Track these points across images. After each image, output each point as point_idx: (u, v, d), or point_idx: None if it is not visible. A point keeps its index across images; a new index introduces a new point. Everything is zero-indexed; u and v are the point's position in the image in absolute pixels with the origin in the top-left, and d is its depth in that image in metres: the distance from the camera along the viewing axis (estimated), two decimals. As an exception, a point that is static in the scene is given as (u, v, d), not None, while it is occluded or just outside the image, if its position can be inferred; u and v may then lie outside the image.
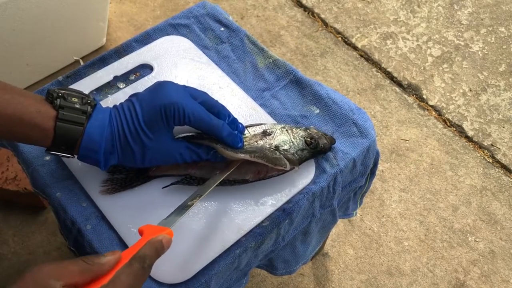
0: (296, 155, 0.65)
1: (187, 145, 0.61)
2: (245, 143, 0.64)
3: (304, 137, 0.66)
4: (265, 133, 0.66)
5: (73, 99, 0.56)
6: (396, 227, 1.22)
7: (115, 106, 0.60)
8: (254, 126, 0.67)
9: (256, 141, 0.64)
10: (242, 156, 0.62)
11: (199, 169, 0.64)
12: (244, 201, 0.65)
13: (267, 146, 0.64)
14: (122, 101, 0.73)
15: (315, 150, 0.66)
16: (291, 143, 0.65)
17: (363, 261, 1.17)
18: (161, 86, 0.60)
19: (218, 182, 0.61)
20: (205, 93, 0.63)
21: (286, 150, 0.64)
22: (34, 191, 0.69)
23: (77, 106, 0.56)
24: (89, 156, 0.58)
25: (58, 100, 0.56)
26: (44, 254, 1.13)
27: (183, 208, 0.57)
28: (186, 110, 0.58)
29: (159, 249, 0.47)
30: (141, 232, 0.50)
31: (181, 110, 0.58)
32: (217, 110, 0.63)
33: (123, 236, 0.62)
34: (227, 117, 0.63)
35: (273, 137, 0.65)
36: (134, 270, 0.44)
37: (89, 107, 0.57)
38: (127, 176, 0.64)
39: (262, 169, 0.64)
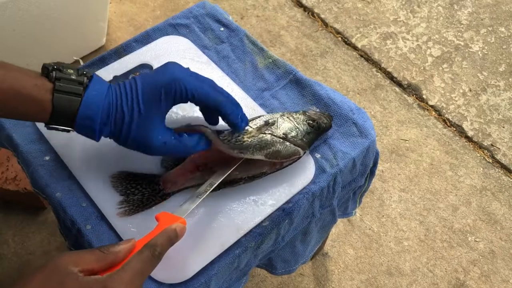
0: (305, 139, 0.66)
1: (173, 134, 0.60)
2: (251, 139, 0.64)
3: (306, 121, 0.68)
4: (267, 124, 0.66)
5: (68, 70, 0.56)
6: (396, 227, 1.22)
7: (117, 83, 0.59)
8: (253, 120, 0.68)
9: (264, 133, 0.65)
10: (257, 156, 0.62)
11: (217, 176, 0.63)
12: (244, 201, 0.65)
13: (275, 137, 0.64)
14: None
15: (319, 131, 0.69)
16: (297, 129, 0.66)
17: (363, 261, 1.17)
18: (165, 66, 0.59)
19: (230, 171, 0.62)
20: (211, 80, 0.62)
21: (294, 136, 0.66)
22: (34, 191, 0.69)
23: (73, 77, 0.56)
24: (85, 125, 0.57)
25: (54, 72, 0.55)
26: (44, 254, 1.13)
27: (196, 197, 0.58)
28: (188, 86, 0.57)
29: (173, 237, 0.50)
30: (157, 219, 0.53)
31: (183, 86, 0.57)
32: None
33: (123, 236, 0.62)
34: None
35: (277, 126, 0.66)
36: (143, 257, 0.47)
37: (85, 78, 0.56)
38: (143, 196, 0.63)
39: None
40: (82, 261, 0.45)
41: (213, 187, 0.60)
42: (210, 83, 0.60)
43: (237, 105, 0.62)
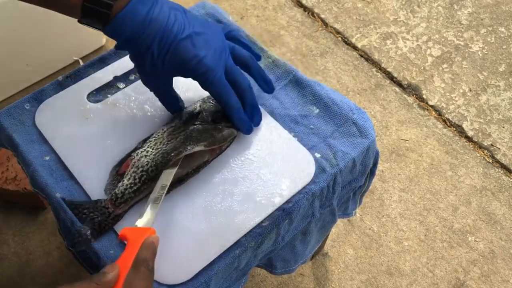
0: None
1: (175, 100, 0.65)
2: (183, 133, 0.64)
3: None
4: (194, 114, 0.67)
5: None
6: (396, 227, 1.22)
7: (167, 9, 0.58)
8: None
9: (195, 124, 0.65)
10: (197, 148, 0.63)
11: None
12: (244, 201, 0.65)
13: (207, 125, 0.65)
14: (122, 101, 0.73)
15: None
16: (221, 111, 0.67)
17: (363, 261, 1.17)
18: (212, 43, 0.60)
19: (175, 169, 0.62)
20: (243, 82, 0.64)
21: (222, 119, 0.67)
22: (34, 191, 0.69)
23: None
24: (110, 35, 0.57)
25: None
26: (44, 254, 1.14)
27: (154, 202, 0.57)
28: (210, 79, 0.59)
29: (154, 250, 0.51)
30: (124, 237, 0.52)
31: (205, 77, 0.59)
32: (246, 63, 0.65)
33: (122, 236, 0.62)
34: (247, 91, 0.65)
35: (204, 114, 0.67)
36: (142, 275, 0.47)
37: None
38: (93, 224, 0.60)
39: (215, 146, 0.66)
40: None
41: (166, 189, 0.59)
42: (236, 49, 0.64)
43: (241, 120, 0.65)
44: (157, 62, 0.58)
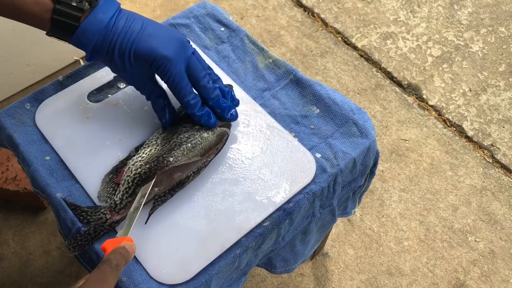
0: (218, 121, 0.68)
1: (161, 93, 0.65)
2: (175, 135, 0.65)
3: None
4: (185, 116, 0.67)
5: None
6: (396, 227, 1.22)
7: (126, 16, 0.61)
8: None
9: (186, 127, 0.66)
10: (194, 159, 0.63)
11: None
12: (244, 201, 0.65)
13: (198, 126, 0.66)
14: (123, 101, 0.73)
15: None
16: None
17: (363, 261, 1.17)
18: (171, 38, 0.62)
19: (155, 177, 0.61)
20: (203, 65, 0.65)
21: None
22: (34, 191, 0.69)
23: (74, 3, 0.58)
24: (78, 46, 0.61)
25: None
26: (44, 254, 1.14)
27: (133, 212, 0.58)
28: (167, 68, 0.60)
29: (124, 253, 0.51)
30: (104, 249, 0.53)
31: (164, 67, 0.60)
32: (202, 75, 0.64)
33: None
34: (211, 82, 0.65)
35: (189, 122, 0.67)
36: (102, 269, 0.48)
37: (87, 4, 0.58)
38: (88, 229, 0.61)
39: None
40: None
41: (145, 197, 0.59)
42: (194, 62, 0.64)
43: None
44: (126, 64, 0.61)
